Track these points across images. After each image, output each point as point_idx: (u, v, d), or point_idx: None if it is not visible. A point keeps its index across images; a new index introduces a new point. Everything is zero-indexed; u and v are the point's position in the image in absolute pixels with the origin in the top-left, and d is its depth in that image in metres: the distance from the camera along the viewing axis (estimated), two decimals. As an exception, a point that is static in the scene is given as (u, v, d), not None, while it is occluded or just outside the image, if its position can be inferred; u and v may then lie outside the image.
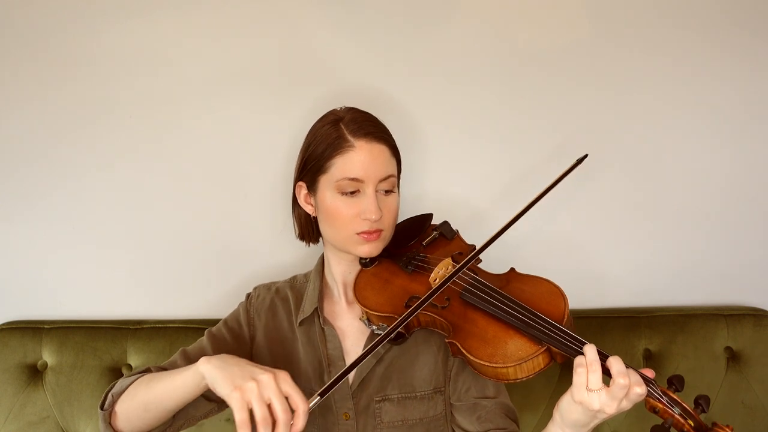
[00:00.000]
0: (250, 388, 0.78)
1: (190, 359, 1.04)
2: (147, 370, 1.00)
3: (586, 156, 1.17)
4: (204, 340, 1.09)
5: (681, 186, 1.42)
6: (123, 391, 0.95)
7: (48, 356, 1.39)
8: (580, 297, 1.44)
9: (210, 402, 1.03)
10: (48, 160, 1.39)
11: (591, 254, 1.45)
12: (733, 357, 1.38)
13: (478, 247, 1.01)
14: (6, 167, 1.39)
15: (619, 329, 1.39)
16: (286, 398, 0.79)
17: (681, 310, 1.42)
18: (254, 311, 1.13)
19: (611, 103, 1.38)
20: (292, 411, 0.79)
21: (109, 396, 0.97)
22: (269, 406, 0.78)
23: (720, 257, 1.45)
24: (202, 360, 0.86)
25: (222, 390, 0.81)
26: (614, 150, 1.40)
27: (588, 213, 1.43)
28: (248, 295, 1.17)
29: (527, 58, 1.37)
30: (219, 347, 1.07)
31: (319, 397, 0.82)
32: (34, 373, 1.39)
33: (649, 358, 1.39)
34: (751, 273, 1.46)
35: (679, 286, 1.46)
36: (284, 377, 0.81)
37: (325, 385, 0.84)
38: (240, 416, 0.77)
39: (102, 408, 0.97)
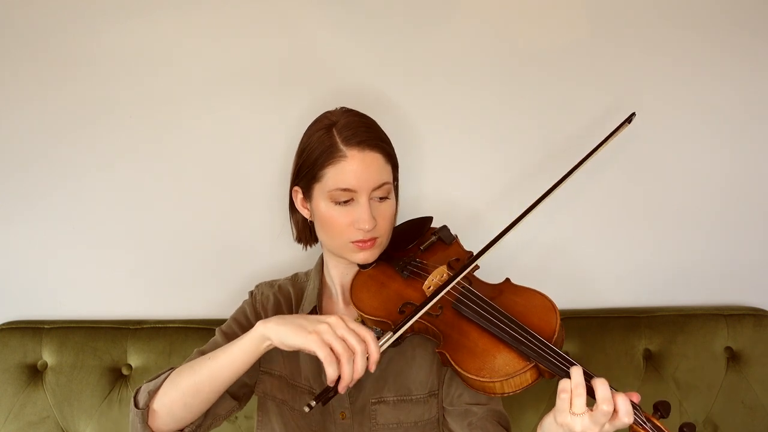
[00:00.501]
0: (324, 330, 0.84)
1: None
2: (171, 370, 0.99)
3: (633, 114, 1.14)
4: (218, 338, 1.09)
5: (681, 186, 1.42)
6: (159, 388, 0.94)
7: (48, 356, 1.39)
8: (580, 297, 1.44)
9: (233, 400, 1.04)
10: (48, 160, 1.39)
11: (591, 254, 1.45)
12: (733, 357, 1.38)
13: (475, 254, 1.01)
14: (6, 167, 1.39)
15: (619, 329, 1.39)
16: None
17: (681, 310, 1.42)
18: (261, 307, 1.13)
19: (611, 103, 1.38)
20: None
21: (144, 394, 0.94)
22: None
23: (720, 257, 1.45)
24: (260, 323, 0.89)
25: (296, 339, 0.84)
26: (614, 150, 1.39)
27: (588, 213, 1.43)
28: (251, 293, 1.17)
29: (527, 58, 1.36)
30: (231, 340, 1.07)
31: (391, 333, 0.89)
32: (34, 373, 1.39)
33: (649, 358, 1.39)
34: (751, 273, 1.46)
35: (679, 286, 1.46)
36: (346, 317, 0.86)
37: (402, 321, 0.90)
38: (324, 353, 0.83)
39: (137, 407, 0.94)
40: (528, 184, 1.41)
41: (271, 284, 1.18)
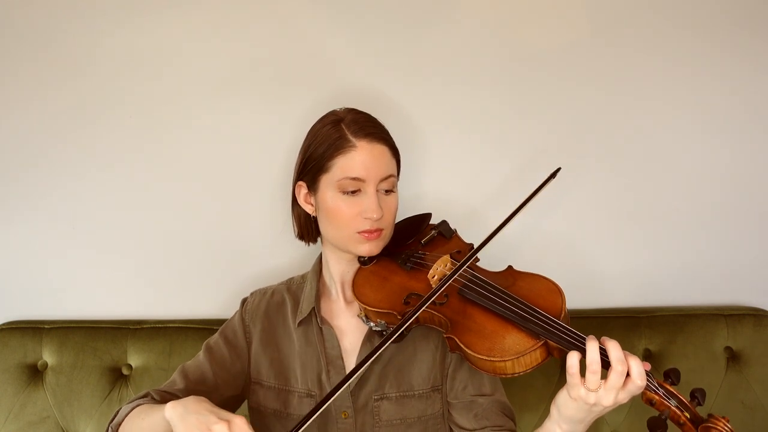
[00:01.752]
0: None
1: (188, 378, 1.05)
2: (146, 395, 1.00)
3: (559, 169, 1.14)
4: (201, 355, 1.09)
5: (681, 186, 1.42)
6: (120, 423, 0.96)
7: (48, 356, 1.39)
8: (581, 297, 1.44)
9: None
10: (48, 160, 1.39)
11: (591, 254, 1.45)
12: (733, 357, 1.38)
13: (476, 247, 1.01)
14: (7, 167, 1.40)
15: (619, 329, 1.39)
16: None
17: (681, 310, 1.42)
18: (249, 319, 1.13)
19: (611, 103, 1.38)
20: None
21: (110, 428, 0.98)
22: None
23: (720, 257, 1.45)
24: (169, 405, 0.87)
25: None
26: (614, 150, 1.40)
27: (588, 213, 1.43)
28: (244, 301, 1.17)
29: (527, 59, 1.37)
30: (215, 361, 1.08)
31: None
32: (34, 373, 1.39)
33: (649, 358, 1.38)
34: (751, 273, 1.46)
35: (679, 286, 1.46)
36: (239, 423, 0.81)
37: (300, 420, 0.83)
38: None
39: None
40: (528, 183, 1.40)
41: (264, 291, 1.17)
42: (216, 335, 1.13)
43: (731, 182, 1.42)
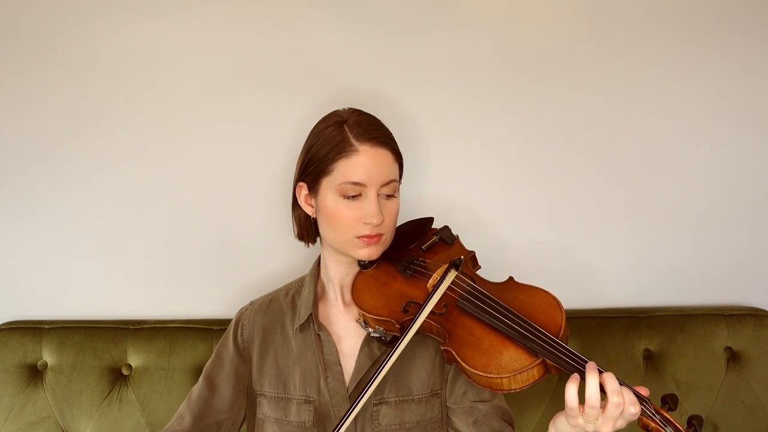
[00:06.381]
0: None
1: (193, 410, 1.05)
2: None
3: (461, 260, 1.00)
4: (201, 384, 1.09)
5: (681, 186, 1.42)
6: None
7: (48, 356, 1.39)
8: (581, 297, 1.44)
9: None
10: (49, 160, 1.39)
11: (591, 254, 1.45)
12: (733, 357, 1.38)
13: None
14: (7, 168, 1.39)
15: (619, 329, 1.39)
16: None
17: (681, 310, 1.42)
18: (247, 333, 1.12)
19: (610, 105, 1.38)
20: None
21: None
22: None
23: (720, 257, 1.45)
24: None
25: None
26: (613, 150, 1.40)
27: (588, 213, 1.43)
28: (240, 315, 1.15)
29: (527, 62, 1.36)
30: (213, 386, 1.08)
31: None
32: (34, 373, 1.39)
33: (649, 358, 1.39)
34: (751, 273, 1.46)
35: (679, 286, 1.46)
36: None
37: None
38: None
39: None
40: (528, 184, 1.41)
41: (262, 300, 1.16)
42: (213, 358, 1.12)
43: (731, 182, 1.42)
